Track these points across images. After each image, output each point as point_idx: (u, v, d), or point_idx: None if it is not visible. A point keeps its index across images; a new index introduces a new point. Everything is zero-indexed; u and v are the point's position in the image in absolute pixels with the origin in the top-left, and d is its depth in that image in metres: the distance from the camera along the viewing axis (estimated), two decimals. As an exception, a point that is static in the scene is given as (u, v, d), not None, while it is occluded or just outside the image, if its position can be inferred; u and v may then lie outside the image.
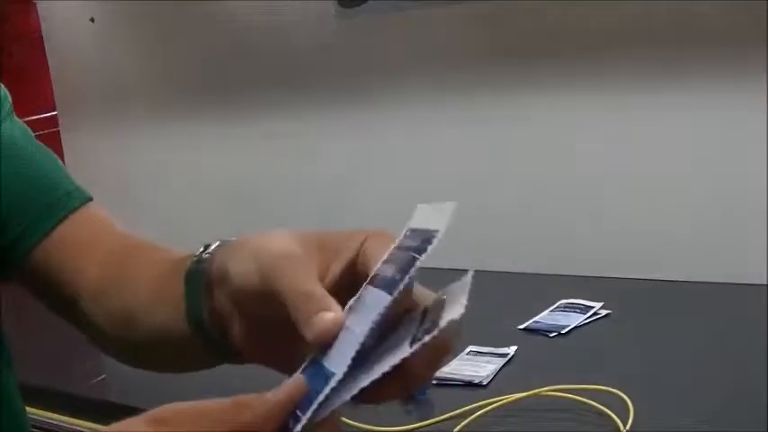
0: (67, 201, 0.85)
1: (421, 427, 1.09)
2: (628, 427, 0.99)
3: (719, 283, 1.49)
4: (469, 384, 1.19)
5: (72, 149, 2.51)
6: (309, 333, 0.52)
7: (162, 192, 2.33)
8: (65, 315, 0.83)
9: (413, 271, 0.53)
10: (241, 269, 0.59)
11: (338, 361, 0.50)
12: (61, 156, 2.50)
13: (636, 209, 1.66)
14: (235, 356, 0.66)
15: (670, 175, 1.62)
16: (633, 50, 1.61)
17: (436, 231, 0.59)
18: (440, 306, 0.54)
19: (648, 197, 1.65)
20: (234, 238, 0.64)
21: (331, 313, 0.52)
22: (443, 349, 0.56)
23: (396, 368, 0.50)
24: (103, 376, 1.48)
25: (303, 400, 0.49)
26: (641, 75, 1.61)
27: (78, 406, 1.36)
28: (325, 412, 0.49)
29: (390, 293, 0.51)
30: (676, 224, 1.62)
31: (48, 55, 2.46)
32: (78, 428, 1.36)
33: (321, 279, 0.56)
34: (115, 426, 0.50)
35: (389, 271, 0.53)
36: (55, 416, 1.38)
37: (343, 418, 1.08)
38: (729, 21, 1.51)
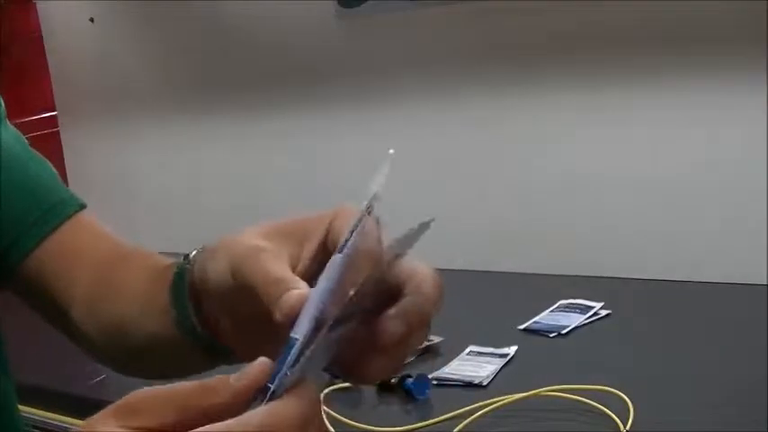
0: (62, 208, 0.84)
1: (422, 427, 1.09)
2: (628, 427, 0.99)
3: (719, 283, 1.49)
4: (470, 385, 1.19)
5: (72, 149, 2.51)
6: (278, 313, 0.52)
7: (162, 191, 2.33)
8: (56, 323, 0.83)
9: (359, 227, 0.55)
10: (217, 270, 0.60)
11: (301, 327, 0.50)
12: (61, 156, 2.51)
13: (636, 209, 1.66)
14: (230, 356, 0.66)
15: (670, 176, 1.62)
16: (633, 51, 1.61)
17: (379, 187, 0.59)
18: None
19: (648, 197, 1.65)
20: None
21: (296, 290, 0.52)
22: (415, 310, 0.54)
23: (373, 336, 0.50)
24: (103, 376, 1.47)
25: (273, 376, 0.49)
26: (641, 75, 1.61)
27: (78, 406, 1.36)
28: (292, 379, 0.48)
29: (341, 252, 0.52)
30: (676, 224, 1.62)
31: (47, 55, 2.46)
32: (78, 429, 1.36)
33: (293, 266, 0.56)
34: (85, 423, 0.50)
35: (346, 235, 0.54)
36: (55, 416, 1.38)
37: (343, 418, 1.08)
38: (729, 21, 1.51)
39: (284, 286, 0.53)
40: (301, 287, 0.52)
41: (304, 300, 0.51)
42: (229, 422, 0.46)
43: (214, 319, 0.64)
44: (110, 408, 0.49)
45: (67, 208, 0.85)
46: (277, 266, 0.55)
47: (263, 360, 0.49)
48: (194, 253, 0.67)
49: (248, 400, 0.48)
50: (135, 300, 0.74)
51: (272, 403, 0.47)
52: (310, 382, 0.48)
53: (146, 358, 0.75)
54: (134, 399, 0.48)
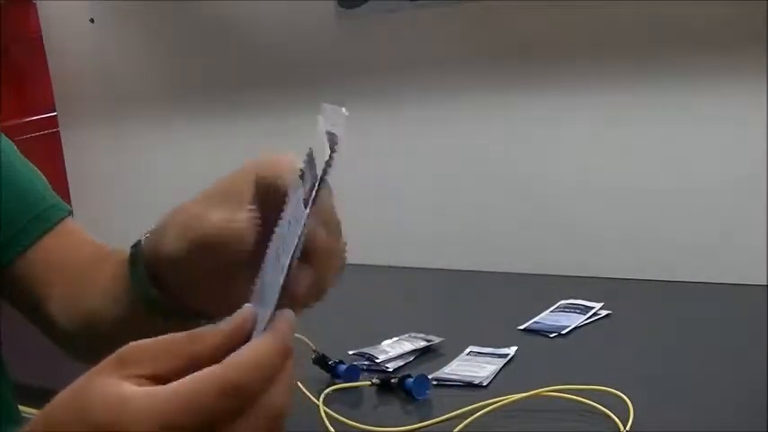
0: (52, 213, 0.88)
1: (422, 427, 1.09)
2: (628, 427, 0.99)
3: (719, 284, 1.49)
4: (469, 385, 1.18)
5: (72, 149, 2.51)
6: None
7: (161, 191, 2.33)
8: (35, 319, 0.86)
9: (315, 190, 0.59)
10: (170, 238, 0.67)
11: (272, 271, 0.55)
12: (61, 156, 2.51)
13: (636, 209, 1.66)
14: (192, 319, 0.70)
15: (670, 176, 1.62)
16: (633, 52, 1.62)
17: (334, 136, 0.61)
18: (311, 160, 0.61)
19: (648, 197, 1.65)
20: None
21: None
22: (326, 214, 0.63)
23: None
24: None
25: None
26: (642, 76, 1.61)
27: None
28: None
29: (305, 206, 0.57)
30: (676, 224, 1.62)
31: (47, 55, 2.47)
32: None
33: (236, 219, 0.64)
34: (83, 377, 0.52)
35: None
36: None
37: (343, 419, 1.08)
38: (729, 21, 1.51)
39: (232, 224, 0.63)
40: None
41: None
42: (217, 366, 0.48)
43: (173, 284, 0.70)
44: (105, 361, 0.51)
45: (55, 214, 0.89)
46: (226, 220, 0.64)
47: (247, 306, 0.52)
48: (145, 235, 0.73)
49: (236, 345, 0.50)
50: (106, 291, 0.78)
51: (253, 341, 0.50)
52: (282, 316, 0.51)
53: (117, 344, 0.77)
54: (128, 350, 0.51)
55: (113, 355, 0.51)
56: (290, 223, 0.56)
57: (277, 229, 0.57)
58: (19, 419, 0.91)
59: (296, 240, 0.53)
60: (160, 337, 0.51)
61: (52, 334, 0.86)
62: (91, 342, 0.81)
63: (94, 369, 0.51)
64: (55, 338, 0.86)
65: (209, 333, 0.51)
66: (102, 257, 0.85)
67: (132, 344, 0.51)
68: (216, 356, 0.49)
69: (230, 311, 0.54)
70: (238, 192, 0.67)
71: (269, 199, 0.64)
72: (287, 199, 0.59)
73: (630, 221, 1.67)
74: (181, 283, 0.69)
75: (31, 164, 0.91)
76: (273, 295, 0.52)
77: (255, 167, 0.68)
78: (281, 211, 0.58)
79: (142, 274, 0.72)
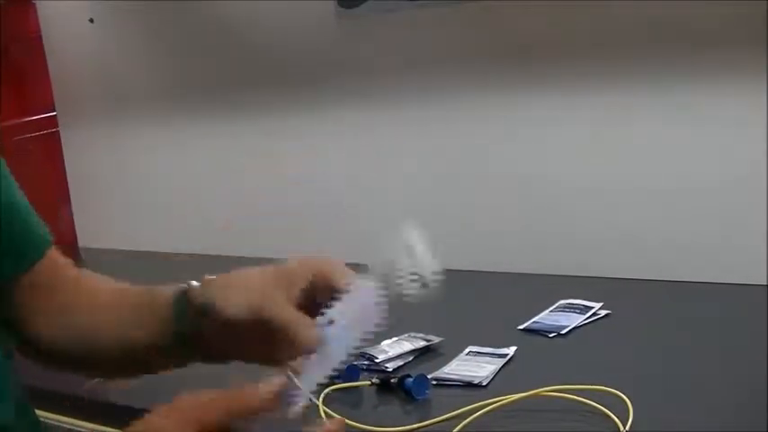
0: (38, 246, 0.92)
1: (421, 427, 1.09)
2: (627, 427, 0.99)
3: (719, 283, 1.49)
4: (469, 385, 1.18)
5: (71, 149, 2.51)
6: (304, 341, 0.75)
7: (161, 191, 2.33)
8: (21, 347, 0.93)
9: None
10: (232, 303, 0.79)
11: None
12: (61, 156, 2.51)
13: (635, 209, 1.66)
14: (199, 359, 0.86)
15: (670, 176, 1.62)
16: (633, 52, 1.61)
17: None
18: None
19: (648, 197, 1.65)
20: (213, 277, 0.84)
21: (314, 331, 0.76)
22: None
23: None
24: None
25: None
26: (642, 76, 1.61)
27: (78, 406, 1.36)
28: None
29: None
30: (676, 224, 1.62)
31: (47, 55, 2.47)
32: (78, 428, 1.36)
33: (291, 304, 0.78)
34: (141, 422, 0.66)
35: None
36: (55, 416, 1.38)
37: (345, 419, 1.08)
38: (729, 21, 1.51)
39: (301, 322, 0.76)
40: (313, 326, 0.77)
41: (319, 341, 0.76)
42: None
43: (203, 334, 0.82)
44: (166, 406, 0.65)
45: (42, 246, 0.93)
46: (288, 306, 0.77)
47: (282, 378, 0.70)
48: (195, 283, 0.84)
49: (267, 409, 0.66)
50: (107, 311, 0.90)
51: None
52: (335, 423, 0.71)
53: (115, 360, 0.90)
54: (184, 399, 0.65)
55: (173, 403, 0.65)
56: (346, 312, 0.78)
57: (335, 313, 0.77)
58: (36, 422, 0.92)
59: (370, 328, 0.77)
60: (210, 392, 0.66)
61: (30, 347, 0.92)
62: (89, 356, 0.91)
63: (155, 412, 0.65)
64: (44, 358, 0.94)
65: (249, 395, 0.67)
66: (79, 277, 0.95)
67: (187, 396, 0.65)
68: (251, 414, 0.66)
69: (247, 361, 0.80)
70: (290, 281, 0.79)
71: (315, 291, 0.79)
72: (338, 292, 0.78)
73: (630, 221, 1.66)
74: (220, 334, 0.81)
75: (14, 182, 0.92)
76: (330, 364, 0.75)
77: (315, 266, 0.80)
78: (333, 299, 0.78)
79: (187, 315, 0.83)
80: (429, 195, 1.89)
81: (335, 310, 0.76)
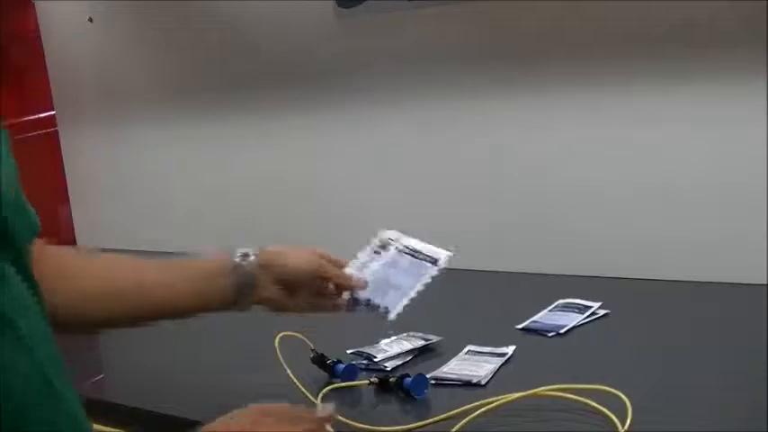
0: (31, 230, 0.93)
1: (420, 426, 1.09)
2: (626, 426, 0.99)
3: (719, 283, 1.49)
4: (468, 384, 1.18)
5: (70, 149, 2.51)
6: (356, 284, 1.18)
7: (160, 190, 2.33)
8: None
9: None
10: (298, 262, 1.14)
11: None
12: (59, 155, 2.51)
13: (635, 209, 1.66)
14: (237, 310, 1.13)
15: (670, 176, 1.62)
16: (633, 52, 1.61)
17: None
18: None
19: (648, 197, 1.64)
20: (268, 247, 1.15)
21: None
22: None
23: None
24: (102, 376, 1.47)
25: None
26: (642, 76, 1.61)
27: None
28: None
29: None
30: (676, 224, 1.62)
31: (46, 55, 2.46)
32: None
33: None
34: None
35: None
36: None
37: (343, 418, 1.08)
38: (729, 21, 1.51)
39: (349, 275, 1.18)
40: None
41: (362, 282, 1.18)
42: None
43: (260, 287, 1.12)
44: (251, 407, 0.89)
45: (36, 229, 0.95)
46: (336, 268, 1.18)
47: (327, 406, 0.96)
48: (250, 252, 1.14)
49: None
50: (158, 280, 1.09)
51: None
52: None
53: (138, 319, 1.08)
54: (270, 406, 0.89)
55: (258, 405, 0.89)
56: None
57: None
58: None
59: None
60: (286, 406, 0.92)
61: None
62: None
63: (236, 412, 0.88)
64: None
65: (310, 417, 0.92)
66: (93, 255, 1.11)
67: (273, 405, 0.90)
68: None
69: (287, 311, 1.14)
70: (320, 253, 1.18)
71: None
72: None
73: (629, 221, 1.66)
74: (275, 289, 1.13)
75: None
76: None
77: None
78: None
79: (251, 276, 1.11)
80: (428, 195, 1.89)
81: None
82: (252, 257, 1.12)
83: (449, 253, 1.21)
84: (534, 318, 1.42)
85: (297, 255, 1.14)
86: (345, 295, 1.17)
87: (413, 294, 1.16)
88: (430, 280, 1.17)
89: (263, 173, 2.14)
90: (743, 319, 1.34)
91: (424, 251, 1.21)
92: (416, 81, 1.86)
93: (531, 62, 1.72)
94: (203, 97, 2.21)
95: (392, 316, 1.14)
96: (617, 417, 1.01)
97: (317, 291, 1.16)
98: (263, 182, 2.14)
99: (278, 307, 1.14)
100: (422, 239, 1.25)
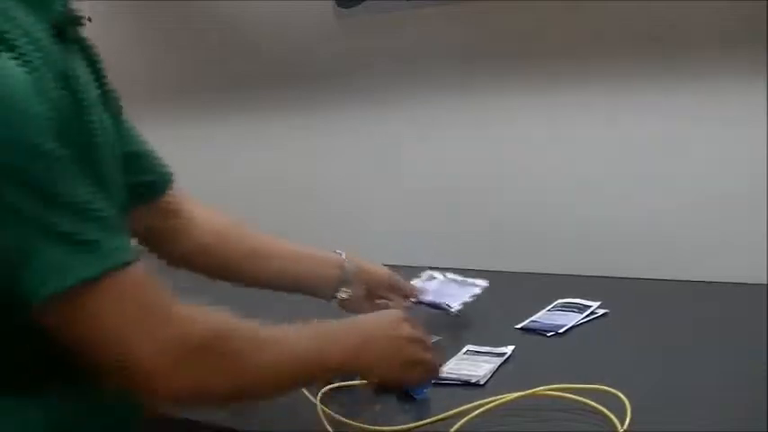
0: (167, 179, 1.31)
1: (419, 426, 1.08)
2: (625, 426, 0.99)
3: (719, 283, 1.49)
4: (467, 384, 1.18)
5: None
6: (416, 291, 1.42)
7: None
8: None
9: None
10: (378, 270, 1.38)
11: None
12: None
13: (634, 208, 1.66)
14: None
15: (670, 175, 1.62)
16: (633, 51, 1.61)
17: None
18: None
19: (648, 197, 1.64)
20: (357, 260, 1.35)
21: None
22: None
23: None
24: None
25: None
26: (641, 76, 1.61)
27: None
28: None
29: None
30: (676, 224, 1.62)
31: (46, 55, 2.46)
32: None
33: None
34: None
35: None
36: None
37: (342, 418, 1.08)
38: (729, 21, 1.51)
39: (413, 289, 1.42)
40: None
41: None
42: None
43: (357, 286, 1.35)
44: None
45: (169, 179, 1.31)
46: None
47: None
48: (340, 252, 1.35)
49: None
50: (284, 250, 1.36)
51: None
52: None
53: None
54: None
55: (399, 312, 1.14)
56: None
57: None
58: None
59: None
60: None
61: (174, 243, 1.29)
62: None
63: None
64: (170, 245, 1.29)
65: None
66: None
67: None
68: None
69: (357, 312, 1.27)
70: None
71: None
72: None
73: (629, 221, 1.66)
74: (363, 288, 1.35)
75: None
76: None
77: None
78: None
79: (350, 274, 1.33)
80: (427, 195, 1.89)
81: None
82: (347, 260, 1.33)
83: (485, 282, 1.45)
84: (533, 317, 1.41)
85: (376, 265, 1.37)
86: (406, 303, 1.39)
87: (468, 298, 1.42)
88: (479, 291, 1.43)
89: (263, 173, 2.14)
90: (743, 319, 1.34)
91: (466, 278, 1.47)
92: (416, 81, 1.86)
93: (531, 62, 1.72)
94: (203, 97, 2.21)
95: (454, 310, 1.40)
96: (616, 416, 1.01)
97: (382, 297, 1.37)
98: (263, 182, 2.14)
99: (353, 307, 1.31)
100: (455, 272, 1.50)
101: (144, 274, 0.86)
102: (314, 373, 1.02)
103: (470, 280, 1.46)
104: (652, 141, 1.63)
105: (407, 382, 1.11)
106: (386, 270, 1.38)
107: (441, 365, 1.15)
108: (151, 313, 0.85)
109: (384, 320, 1.09)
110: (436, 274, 1.49)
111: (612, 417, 1.01)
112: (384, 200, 1.95)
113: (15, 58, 0.80)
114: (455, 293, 1.44)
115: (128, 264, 0.84)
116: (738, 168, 1.55)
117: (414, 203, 1.91)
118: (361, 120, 1.97)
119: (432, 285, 1.47)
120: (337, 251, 1.34)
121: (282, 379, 0.98)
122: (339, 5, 1.91)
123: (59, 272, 0.79)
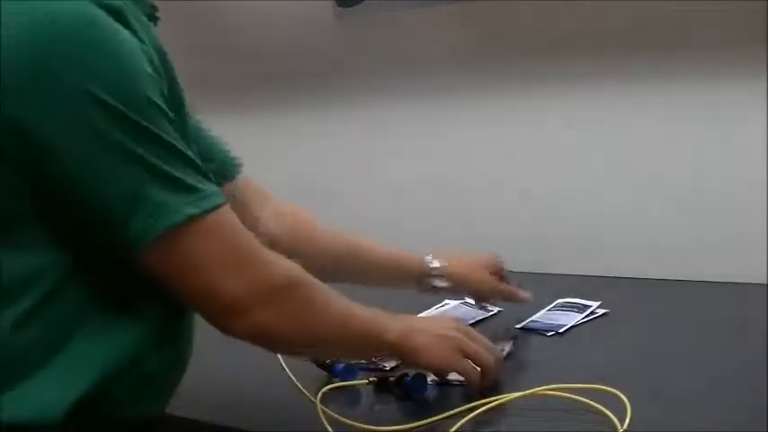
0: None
1: (419, 426, 1.08)
2: (625, 426, 0.99)
3: (719, 283, 1.49)
4: (467, 384, 1.18)
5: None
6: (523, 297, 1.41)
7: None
8: None
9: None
10: (478, 287, 1.41)
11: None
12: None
13: (634, 208, 1.66)
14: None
15: (670, 175, 1.62)
16: (633, 51, 1.61)
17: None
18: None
19: (647, 197, 1.64)
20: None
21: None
22: None
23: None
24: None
25: None
26: (641, 76, 1.61)
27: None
28: None
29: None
30: (676, 224, 1.62)
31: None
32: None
33: None
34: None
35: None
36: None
37: (341, 418, 1.08)
38: (729, 21, 1.51)
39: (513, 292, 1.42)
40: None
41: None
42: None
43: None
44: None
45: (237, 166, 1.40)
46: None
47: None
48: (437, 268, 1.36)
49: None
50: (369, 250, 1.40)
51: None
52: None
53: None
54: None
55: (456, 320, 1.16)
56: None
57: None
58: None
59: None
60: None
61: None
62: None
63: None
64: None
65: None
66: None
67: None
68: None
69: None
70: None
71: None
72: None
73: (629, 221, 1.66)
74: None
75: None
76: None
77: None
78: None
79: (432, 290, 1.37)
80: (428, 195, 1.89)
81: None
82: (439, 280, 1.35)
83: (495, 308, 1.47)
84: (533, 317, 1.41)
85: (478, 279, 1.38)
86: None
87: (494, 310, 1.47)
88: (495, 311, 1.47)
89: (263, 172, 2.14)
90: (743, 319, 1.34)
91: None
92: (416, 81, 1.86)
93: (530, 62, 1.72)
94: (203, 98, 2.19)
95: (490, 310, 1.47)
96: (616, 416, 1.00)
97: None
98: (263, 182, 2.14)
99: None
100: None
101: (235, 218, 0.94)
102: (372, 341, 1.07)
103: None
104: (652, 141, 1.63)
105: (458, 370, 1.10)
106: (489, 286, 1.40)
107: (496, 366, 1.12)
108: (240, 253, 0.93)
109: (442, 318, 1.25)
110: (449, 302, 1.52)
111: (612, 417, 1.01)
112: (384, 199, 1.95)
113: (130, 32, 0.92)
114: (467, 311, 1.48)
115: (221, 206, 0.92)
116: (738, 168, 1.55)
117: (414, 203, 1.91)
118: (361, 119, 1.97)
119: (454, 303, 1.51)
120: (435, 268, 1.36)
121: (346, 336, 1.04)
122: (339, 5, 1.91)
123: (168, 211, 0.87)
